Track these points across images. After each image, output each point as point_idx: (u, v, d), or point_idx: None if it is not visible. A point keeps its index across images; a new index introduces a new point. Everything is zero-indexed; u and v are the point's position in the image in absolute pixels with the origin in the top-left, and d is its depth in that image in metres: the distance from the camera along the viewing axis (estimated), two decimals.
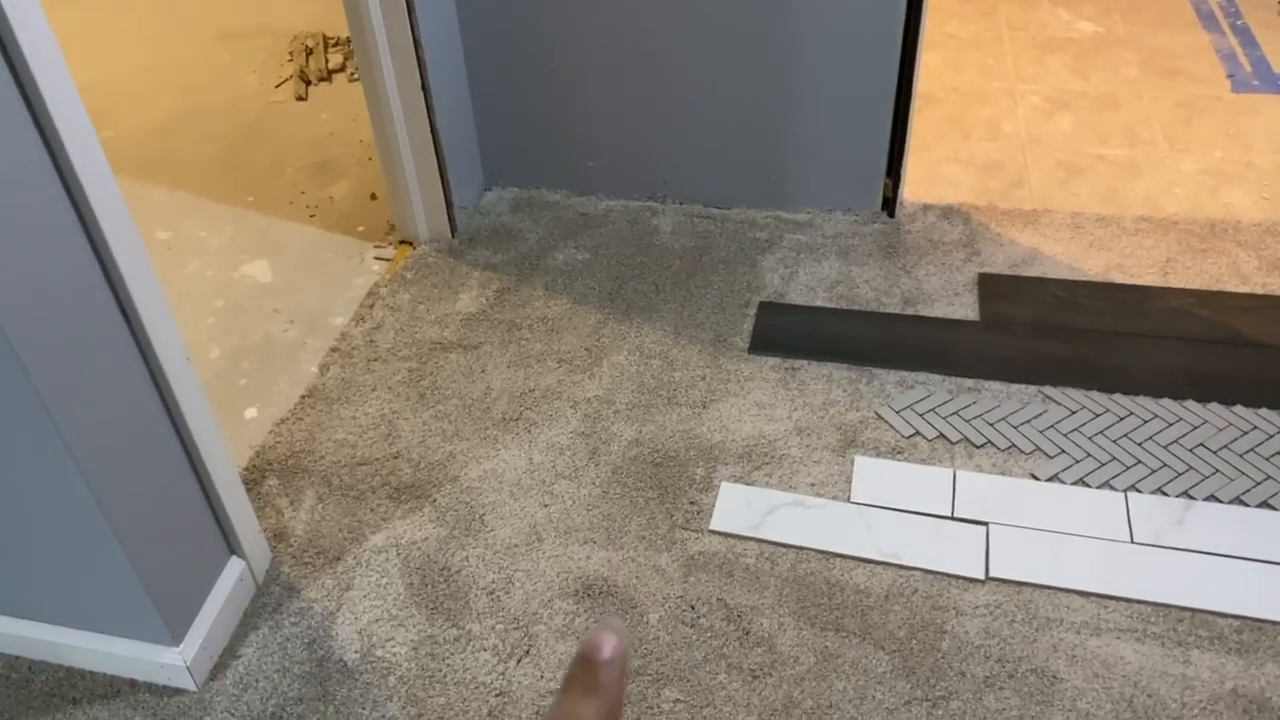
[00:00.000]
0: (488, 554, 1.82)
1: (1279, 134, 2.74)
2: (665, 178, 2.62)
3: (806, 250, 2.46)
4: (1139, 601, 1.67)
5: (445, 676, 1.64)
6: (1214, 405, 1.99)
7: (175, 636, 1.60)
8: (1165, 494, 1.84)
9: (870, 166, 2.48)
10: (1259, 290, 2.24)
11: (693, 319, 2.28)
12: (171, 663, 1.61)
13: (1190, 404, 2.00)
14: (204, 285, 2.50)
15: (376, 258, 2.55)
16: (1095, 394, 2.03)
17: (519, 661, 1.65)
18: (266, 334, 2.35)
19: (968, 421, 1.99)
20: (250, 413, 2.14)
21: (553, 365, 2.19)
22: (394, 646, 1.69)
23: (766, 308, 2.30)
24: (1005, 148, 2.77)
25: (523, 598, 1.75)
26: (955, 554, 1.76)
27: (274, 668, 1.67)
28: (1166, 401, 2.01)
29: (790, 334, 2.22)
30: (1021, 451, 1.94)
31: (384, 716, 1.59)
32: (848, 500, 1.87)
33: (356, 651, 1.69)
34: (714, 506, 1.87)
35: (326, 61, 3.40)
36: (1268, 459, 1.88)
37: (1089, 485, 1.86)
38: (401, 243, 2.58)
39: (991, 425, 1.98)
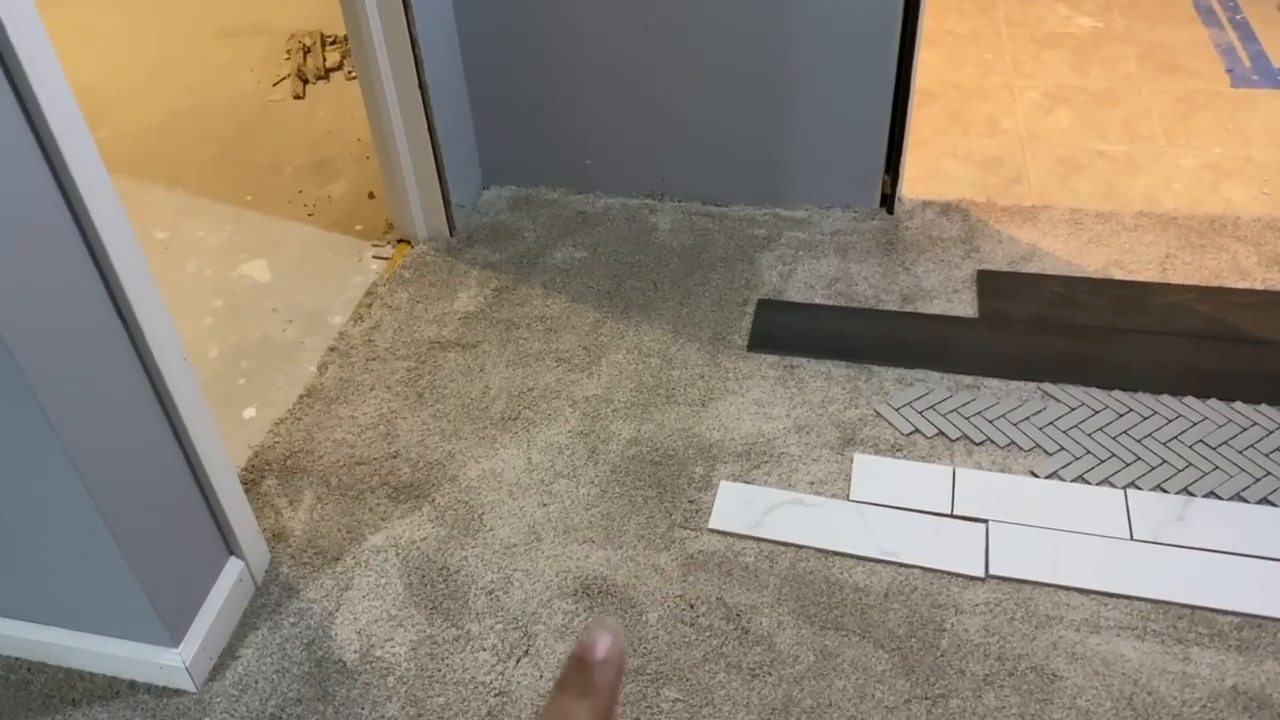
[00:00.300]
0: (486, 554, 1.82)
1: (1278, 129, 2.74)
2: (663, 175, 2.61)
3: (805, 247, 2.46)
4: (1139, 599, 1.67)
5: (444, 676, 1.64)
6: (1213, 401, 1.99)
7: (174, 637, 1.60)
8: (1165, 491, 1.84)
9: (869, 163, 2.48)
10: (1258, 286, 2.24)
11: (691, 317, 2.28)
12: (170, 664, 1.61)
13: (1190, 400, 2.00)
14: (202, 285, 2.50)
15: (375, 257, 2.55)
16: (1094, 390, 2.03)
17: (518, 661, 1.65)
18: (265, 333, 2.35)
19: (967, 419, 1.99)
20: (249, 412, 2.14)
21: (551, 364, 2.19)
22: (393, 647, 1.69)
23: (765, 305, 2.30)
24: (1004, 144, 2.76)
25: (522, 597, 1.75)
26: (955, 552, 1.76)
27: (273, 668, 1.67)
28: (1166, 398, 2.00)
29: (789, 331, 2.22)
30: (1021, 449, 1.93)
31: (383, 717, 1.59)
32: (847, 498, 1.86)
33: (356, 652, 1.68)
34: (713, 505, 1.87)
35: (324, 60, 3.39)
36: (1267, 455, 1.88)
37: (1088, 482, 1.86)
38: (400, 241, 2.58)
39: (991, 422, 1.98)
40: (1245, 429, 1.93)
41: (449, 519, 1.88)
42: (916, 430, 1.98)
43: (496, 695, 1.61)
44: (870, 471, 1.90)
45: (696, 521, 1.85)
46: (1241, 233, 2.39)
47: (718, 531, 1.83)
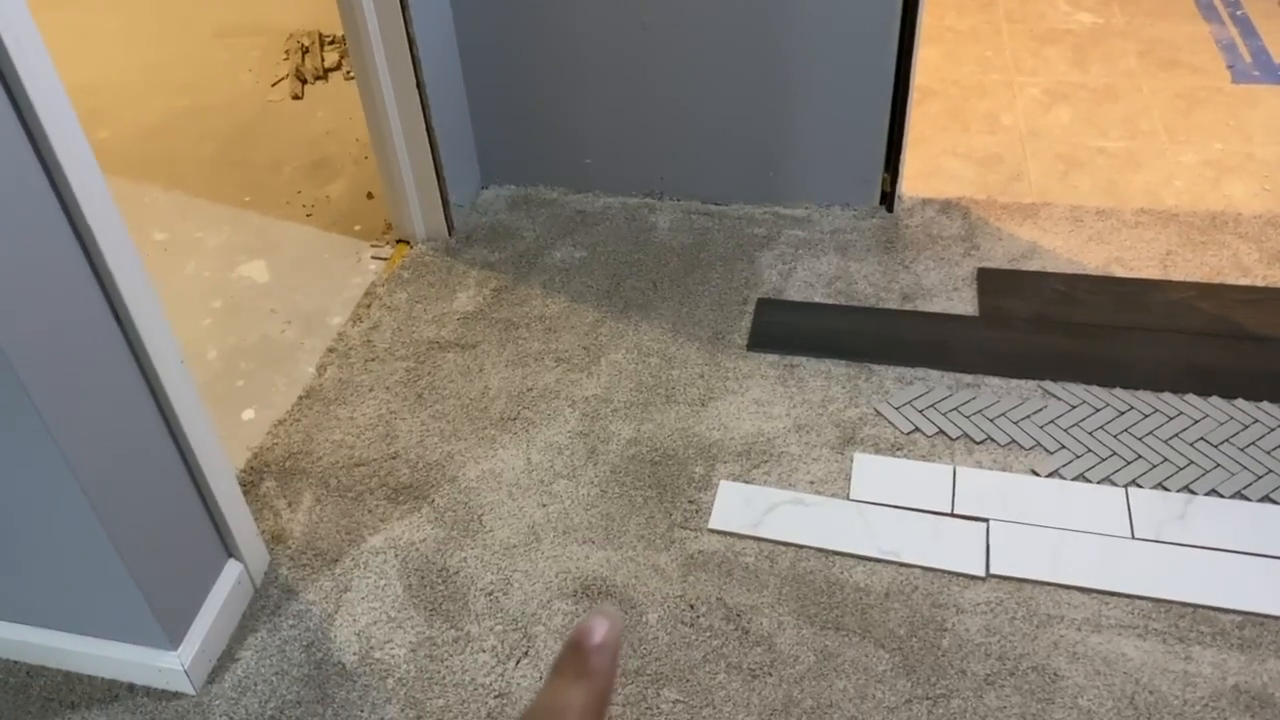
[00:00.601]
0: (486, 555, 1.82)
1: (1279, 125, 2.73)
2: (663, 174, 2.61)
3: (805, 246, 2.45)
4: (1140, 597, 1.66)
5: (444, 678, 1.64)
6: (1215, 399, 1.98)
7: (173, 640, 1.60)
8: (1166, 489, 1.83)
9: (868, 161, 2.47)
10: (1260, 283, 2.23)
11: (691, 316, 2.28)
12: (169, 666, 1.61)
13: (1191, 397, 1.99)
14: (201, 286, 2.50)
15: (373, 257, 2.54)
16: (1095, 388, 2.03)
17: (518, 662, 1.65)
18: (264, 334, 2.34)
19: (967, 417, 1.98)
20: (247, 414, 2.14)
21: (550, 364, 2.18)
22: (392, 648, 1.68)
23: (765, 304, 2.29)
24: (1004, 141, 2.76)
25: (521, 598, 1.74)
26: (955, 551, 1.75)
27: (272, 670, 1.67)
28: (1167, 395, 2.00)
29: (789, 330, 2.21)
30: (1021, 447, 1.93)
31: (383, 719, 1.59)
32: (847, 498, 1.86)
33: (355, 654, 1.68)
34: (713, 505, 1.86)
35: (322, 60, 3.38)
36: (1269, 453, 1.87)
37: (1089, 480, 1.86)
38: (398, 242, 2.57)
39: (991, 421, 1.98)
40: (1247, 426, 1.92)
41: (448, 520, 1.88)
42: (917, 429, 1.97)
43: (496, 697, 1.61)
44: (870, 471, 1.90)
45: (696, 521, 1.84)
46: (1243, 229, 2.38)
47: (718, 531, 1.82)
